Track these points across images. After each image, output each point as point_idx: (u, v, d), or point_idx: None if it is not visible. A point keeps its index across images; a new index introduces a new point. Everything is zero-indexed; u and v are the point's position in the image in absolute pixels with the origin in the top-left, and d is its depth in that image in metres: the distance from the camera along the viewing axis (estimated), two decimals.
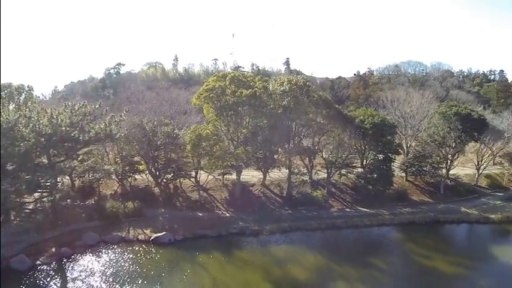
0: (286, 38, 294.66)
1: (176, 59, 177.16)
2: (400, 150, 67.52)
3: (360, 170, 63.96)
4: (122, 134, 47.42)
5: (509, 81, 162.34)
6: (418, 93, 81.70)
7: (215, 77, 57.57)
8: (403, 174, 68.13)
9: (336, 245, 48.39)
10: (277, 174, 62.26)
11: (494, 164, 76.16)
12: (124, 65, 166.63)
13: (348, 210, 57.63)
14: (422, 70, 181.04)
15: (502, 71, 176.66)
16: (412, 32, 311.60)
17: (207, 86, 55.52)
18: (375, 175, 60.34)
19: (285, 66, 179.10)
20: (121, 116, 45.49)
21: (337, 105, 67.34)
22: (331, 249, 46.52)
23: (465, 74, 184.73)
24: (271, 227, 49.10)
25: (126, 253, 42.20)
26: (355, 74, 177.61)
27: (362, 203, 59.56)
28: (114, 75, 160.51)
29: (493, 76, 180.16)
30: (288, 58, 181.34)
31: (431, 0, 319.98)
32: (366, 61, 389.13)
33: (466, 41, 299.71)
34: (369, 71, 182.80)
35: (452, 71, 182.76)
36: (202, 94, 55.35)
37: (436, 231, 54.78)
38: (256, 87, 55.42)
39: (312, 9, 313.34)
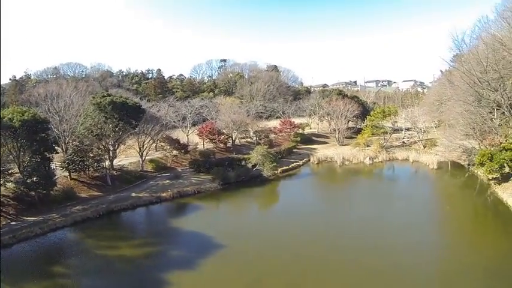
0: None
1: None
2: (57, 148, 62.75)
3: (18, 175, 55.23)
4: None
5: (166, 78, 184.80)
6: (71, 87, 78.10)
7: None
8: (67, 173, 63.66)
9: (6, 266, 39.57)
10: None
11: (157, 150, 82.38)
12: None
13: (14, 223, 49.84)
14: (82, 71, 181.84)
15: (159, 69, 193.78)
16: (72, 34, 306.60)
17: None
18: (35, 178, 53.66)
19: None
20: None
21: None
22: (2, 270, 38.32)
23: (124, 73, 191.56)
24: None
25: None
26: (10, 79, 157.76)
27: (28, 211, 52.54)
28: None
29: (150, 74, 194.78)
30: None
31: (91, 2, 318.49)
32: (22, 65, 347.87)
33: (125, 42, 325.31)
34: (25, 75, 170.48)
35: (112, 71, 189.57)
36: None
37: (113, 221, 54.21)
38: None
39: None
